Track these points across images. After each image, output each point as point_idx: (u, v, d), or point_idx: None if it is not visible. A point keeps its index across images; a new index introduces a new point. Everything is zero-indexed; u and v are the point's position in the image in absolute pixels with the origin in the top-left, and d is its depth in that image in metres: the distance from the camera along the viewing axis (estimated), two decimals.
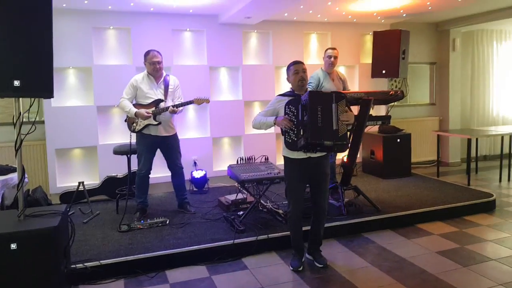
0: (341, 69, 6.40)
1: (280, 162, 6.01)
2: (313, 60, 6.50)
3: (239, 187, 4.59)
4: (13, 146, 2.90)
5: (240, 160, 4.56)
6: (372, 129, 6.15)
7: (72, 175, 5.38)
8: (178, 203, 4.75)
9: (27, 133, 2.90)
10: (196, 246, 3.65)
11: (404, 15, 6.06)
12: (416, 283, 3.19)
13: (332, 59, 4.79)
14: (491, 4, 5.91)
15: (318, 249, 3.60)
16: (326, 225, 3.71)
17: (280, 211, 4.36)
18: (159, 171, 5.29)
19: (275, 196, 5.08)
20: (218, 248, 3.68)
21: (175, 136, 4.56)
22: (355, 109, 4.42)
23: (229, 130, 5.98)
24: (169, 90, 4.45)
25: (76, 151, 5.42)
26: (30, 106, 2.94)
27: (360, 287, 3.16)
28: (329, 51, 4.83)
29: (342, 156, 5.60)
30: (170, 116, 4.44)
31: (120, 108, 4.44)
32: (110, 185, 5.25)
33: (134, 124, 4.39)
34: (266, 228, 4.01)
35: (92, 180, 5.42)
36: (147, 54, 4.38)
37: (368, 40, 6.78)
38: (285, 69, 6.13)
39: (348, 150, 4.54)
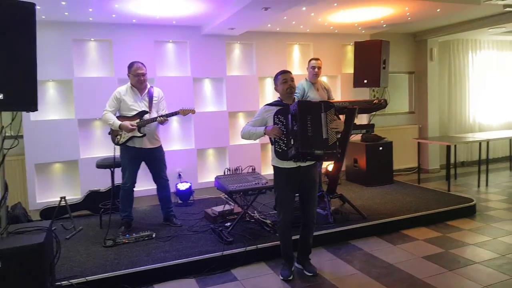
0: (323, 79, 6.48)
1: (265, 172, 6.07)
2: (296, 70, 6.56)
3: (226, 198, 4.56)
4: None
5: (227, 171, 4.54)
6: (355, 137, 6.24)
7: (52, 190, 5.25)
8: (164, 216, 4.67)
9: (10, 148, 2.82)
10: (184, 259, 3.60)
11: (384, 25, 6.21)
12: (404, 287, 3.23)
13: (316, 69, 4.85)
14: (466, 15, 6.14)
15: (308, 258, 3.60)
16: (314, 233, 3.71)
17: (268, 221, 4.35)
18: (143, 184, 5.22)
19: (262, 207, 5.07)
20: (207, 260, 3.64)
21: (160, 148, 4.51)
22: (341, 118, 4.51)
23: (214, 141, 5.95)
24: (154, 102, 4.41)
25: (56, 165, 5.30)
26: (13, 120, 2.87)
27: None
28: (313, 61, 4.89)
29: (326, 165, 5.66)
30: (155, 128, 4.39)
31: (104, 120, 4.37)
32: (92, 199, 5.14)
33: (118, 137, 4.32)
34: (254, 238, 3.99)
35: (74, 195, 5.29)
36: (131, 66, 4.33)
37: (349, 50, 6.91)
38: (269, 79, 6.29)
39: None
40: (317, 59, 4.90)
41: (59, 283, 3.15)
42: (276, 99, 3.54)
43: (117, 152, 4.39)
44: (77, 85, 5.21)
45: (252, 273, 3.60)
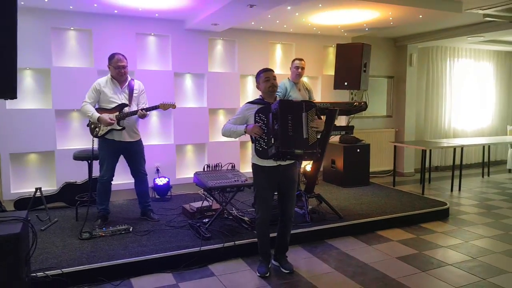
0: (305, 80, 6.53)
1: (244, 169, 6.08)
2: (278, 70, 6.59)
3: (205, 194, 4.55)
4: None
5: (207, 168, 4.53)
6: (333, 139, 6.29)
7: (27, 181, 5.13)
8: (141, 210, 4.63)
9: None
10: (162, 254, 3.58)
11: (367, 29, 6.29)
12: (378, 286, 3.30)
13: (300, 69, 4.88)
14: (446, 22, 6.30)
15: (284, 255, 3.63)
16: (291, 231, 3.74)
17: (246, 218, 4.36)
18: (121, 178, 5.15)
19: (240, 204, 5.08)
20: (184, 255, 3.63)
21: (139, 142, 4.46)
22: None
23: (193, 138, 5.92)
24: (134, 94, 4.35)
25: (32, 156, 5.17)
26: None
27: None
28: (297, 62, 4.91)
29: (304, 165, 5.70)
30: (134, 121, 4.35)
31: (82, 112, 4.29)
32: (68, 191, 5.06)
33: (97, 129, 4.25)
34: (232, 235, 4.00)
35: (49, 186, 5.18)
36: (111, 57, 4.26)
37: (331, 52, 6.97)
38: (250, 77, 6.30)
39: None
40: (301, 59, 4.93)
41: (34, 274, 3.10)
42: (258, 97, 3.55)
43: (95, 144, 4.31)
44: (55, 74, 5.09)
45: (229, 269, 3.61)
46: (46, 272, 3.16)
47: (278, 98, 3.69)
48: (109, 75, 4.32)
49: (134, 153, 4.41)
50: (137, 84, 4.43)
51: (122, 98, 4.30)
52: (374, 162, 7.25)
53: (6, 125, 4.88)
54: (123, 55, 4.28)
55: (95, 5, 4.82)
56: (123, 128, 4.25)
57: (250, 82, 6.37)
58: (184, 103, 5.97)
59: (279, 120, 3.17)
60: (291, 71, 4.96)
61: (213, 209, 4.57)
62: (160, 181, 5.49)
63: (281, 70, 6.59)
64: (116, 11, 5.15)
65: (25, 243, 2.80)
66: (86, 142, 4.97)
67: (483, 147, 8.11)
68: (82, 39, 5.33)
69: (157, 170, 5.61)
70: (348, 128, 5.03)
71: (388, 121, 7.87)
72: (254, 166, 3.45)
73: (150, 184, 5.25)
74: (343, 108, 4.65)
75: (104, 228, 4.08)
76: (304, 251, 4.01)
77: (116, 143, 4.28)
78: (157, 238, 3.97)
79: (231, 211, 4.50)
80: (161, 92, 5.48)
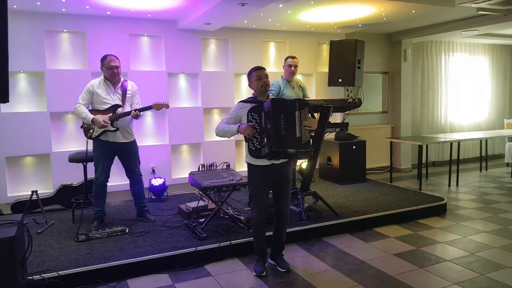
0: (299, 77, 6.52)
1: (240, 169, 6.08)
2: (272, 68, 6.58)
3: (200, 194, 4.55)
4: None
5: (202, 167, 4.53)
6: (329, 136, 6.31)
7: (23, 184, 5.14)
8: (137, 211, 4.63)
9: None
10: (158, 254, 3.58)
11: (360, 25, 6.28)
12: (376, 284, 3.29)
13: (293, 68, 4.87)
14: (440, 17, 6.28)
15: (281, 254, 3.63)
16: (287, 230, 3.75)
17: (242, 218, 4.37)
18: (116, 179, 5.16)
19: (236, 203, 5.08)
20: (180, 256, 3.63)
21: (133, 143, 4.46)
22: (315, 116, 4.54)
23: (188, 137, 5.92)
24: (127, 95, 4.35)
25: (28, 159, 5.17)
26: None
27: None
28: (289, 60, 4.90)
29: (300, 163, 5.71)
30: (128, 122, 4.34)
31: (76, 114, 4.29)
32: (65, 194, 5.06)
33: (91, 131, 4.25)
34: (228, 234, 4.00)
35: (46, 189, 5.19)
36: (104, 58, 4.26)
37: (325, 49, 6.96)
38: (244, 76, 6.29)
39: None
40: (293, 57, 4.92)
41: (30, 277, 3.10)
42: (251, 96, 3.54)
43: (90, 146, 4.32)
44: (49, 77, 5.09)
45: (226, 268, 3.60)
46: (42, 275, 3.16)
47: (271, 97, 3.68)
48: (102, 77, 4.32)
49: (128, 154, 4.40)
50: (130, 85, 4.42)
51: (115, 99, 4.29)
52: (371, 158, 7.25)
53: (1, 128, 4.88)
54: (115, 56, 4.28)
55: (87, 7, 4.81)
56: (117, 129, 4.24)
57: (244, 81, 6.36)
58: (178, 103, 5.96)
59: (272, 119, 3.16)
60: (284, 69, 4.96)
61: (209, 209, 4.56)
62: (156, 182, 5.48)
63: (275, 68, 6.58)
64: (108, 13, 5.14)
65: (20, 246, 2.81)
66: (81, 144, 4.96)
67: (480, 141, 8.11)
68: (76, 41, 5.33)
69: (153, 170, 5.61)
70: (343, 125, 5.03)
71: (384, 117, 7.87)
72: (248, 165, 3.45)
73: (146, 184, 5.25)
74: (337, 104, 4.64)
75: (100, 230, 4.09)
76: (300, 249, 4.01)
77: (110, 144, 4.27)
78: (153, 238, 3.97)
79: (227, 211, 4.50)
80: (155, 92, 5.47)
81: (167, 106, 4.35)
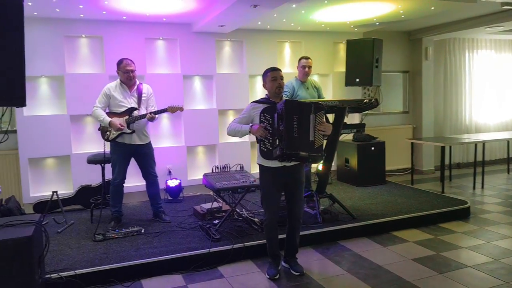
0: (314, 78, 6.44)
1: (255, 170, 6.02)
2: (287, 68, 6.53)
3: (215, 196, 4.56)
4: None
5: (215, 169, 4.54)
6: (346, 137, 6.21)
7: (45, 184, 5.29)
8: (153, 212, 4.69)
9: (0, 142, 2.87)
10: (172, 255, 3.61)
11: (377, 23, 6.17)
12: None
13: (307, 68, 4.82)
14: (462, 13, 6.06)
15: (294, 257, 3.59)
16: (302, 233, 3.71)
17: (256, 220, 4.35)
18: (134, 180, 5.22)
19: (251, 205, 5.06)
20: (194, 257, 3.64)
21: (149, 145, 4.52)
22: (330, 118, 4.48)
23: (204, 139, 5.94)
24: (143, 98, 4.41)
25: (49, 160, 5.32)
26: (2, 115, 2.93)
27: None
28: (303, 60, 4.85)
29: (316, 165, 5.64)
30: (144, 125, 4.40)
31: (94, 117, 4.38)
32: (84, 194, 5.18)
33: (108, 133, 4.33)
34: (242, 236, 3.99)
35: (66, 190, 5.32)
36: (120, 62, 4.34)
37: (342, 48, 6.87)
38: (259, 77, 6.27)
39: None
40: (307, 58, 4.87)
41: (48, 276, 3.19)
42: (264, 96, 3.52)
43: (107, 147, 4.41)
44: (68, 81, 5.22)
45: (239, 270, 3.59)
46: (60, 274, 3.25)
47: (285, 98, 3.65)
48: (118, 80, 4.40)
49: (144, 156, 4.46)
50: (146, 88, 4.49)
51: (131, 102, 4.36)
52: (391, 160, 7.09)
53: (24, 131, 5.05)
54: (131, 60, 4.35)
55: (104, 12, 4.90)
56: (133, 132, 4.31)
57: (259, 82, 6.34)
58: (194, 105, 6.00)
59: (284, 120, 3.13)
60: (298, 70, 4.92)
61: (223, 210, 4.57)
62: (172, 183, 5.53)
63: (290, 68, 6.53)
64: (124, 17, 5.23)
65: (37, 245, 2.90)
66: (99, 145, 5.05)
67: (508, 142, 7.81)
68: (94, 46, 5.44)
69: (169, 172, 5.66)
70: (359, 126, 4.94)
71: (404, 117, 7.70)
72: (260, 166, 3.43)
73: (162, 186, 5.32)
74: (352, 105, 4.55)
75: (117, 230, 4.17)
76: (315, 253, 3.96)
77: (126, 146, 4.34)
78: (167, 239, 4.01)
79: (241, 212, 4.49)
80: (171, 95, 5.53)
81: (181, 109, 4.39)
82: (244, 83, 6.15)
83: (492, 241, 4.15)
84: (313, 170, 5.41)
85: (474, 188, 6.40)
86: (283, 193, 3.49)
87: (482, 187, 6.46)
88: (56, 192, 4.65)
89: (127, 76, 4.31)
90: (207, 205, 4.64)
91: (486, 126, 8.35)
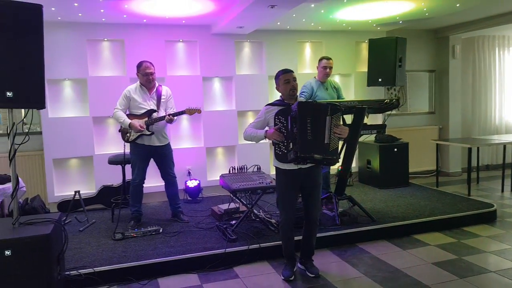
0: (336, 78, 6.36)
1: (274, 171, 6.00)
2: (308, 69, 6.48)
3: (232, 197, 4.57)
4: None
5: (232, 170, 4.55)
6: (368, 138, 6.09)
7: (69, 184, 5.44)
8: (172, 212, 4.75)
9: (21, 143, 2.95)
10: (188, 255, 3.65)
11: (401, 22, 6.03)
12: None
13: (328, 69, 4.76)
14: (492, 9, 5.83)
15: (310, 259, 3.55)
16: (319, 234, 3.67)
17: (273, 221, 4.33)
18: (153, 181, 5.29)
19: (268, 206, 5.05)
20: (210, 257, 3.67)
21: (168, 146, 4.57)
22: (348, 118, 4.40)
23: (223, 140, 5.97)
24: (162, 100, 4.47)
25: (73, 161, 5.47)
26: (24, 117, 3.01)
27: None
28: (324, 61, 4.79)
29: (338, 165, 5.56)
30: (163, 126, 4.45)
31: (114, 118, 4.47)
32: (105, 194, 5.30)
33: (128, 134, 4.41)
34: (258, 237, 3.99)
35: (89, 189, 5.46)
36: (139, 65, 4.41)
37: (364, 48, 6.75)
38: None
39: (342, 159, 4.50)
40: (329, 59, 4.80)
41: (68, 273, 3.28)
42: (278, 99, 3.50)
43: (127, 149, 4.49)
44: (91, 83, 5.35)
45: (254, 271, 3.59)
46: (79, 271, 3.34)
47: (303, 99, 3.60)
48: (138, 83, 4.47)
49: (163, 157, 4.52)
50: (165, 90, 4.54)
51: (150, 104, 4.42)
52: (416, 161, 6.93)
53: (49, 132, 5.21)
54: (150, 63, 4.41)
55: (125, 16, 5.00)
56: (152, 133, 4.37)
57: None
58: (213, 106, 6.04)
59: (298, 123, 3.10)
60: (318, 70, 4.86)
61: (241, 211, 4.57)
62: (191, 183, 5.58)
63: (310, 69, 6.46)
64: (145, 21, 5.32)
65: (57, 243, 2.98)
66: (120, 146, 5.14)
67: None
68: (115, 49, 5.56)
69: (189, 172, 5.71)
70: (380, 127, 4.83)
71: (430, 117, 7.50)
72: (276, 169, 3.42)
73: (182, 186, 5.37)
74: (372, 106, 4.46)
75: (136, 229, 4.25)
76: (332, 255, 3.90)
77: (146, 147, 4.41)
78: (185, 239, 4.05)
79: (258, 213, 4.48)
80: (190, 96, 5.58)
81: (199, 111, 4.43)
82: (263, 84, 6.13)
83: None
84: (332, 172, 5.35)
85: (502, 191, 6.18)
86: (300, 195, 3.46)
87: (511, 190, 6.21)
88: (79, 191, 4.76)
89: (146, 79, 4.37)
90: (225, 206, 4.66)
91: None
